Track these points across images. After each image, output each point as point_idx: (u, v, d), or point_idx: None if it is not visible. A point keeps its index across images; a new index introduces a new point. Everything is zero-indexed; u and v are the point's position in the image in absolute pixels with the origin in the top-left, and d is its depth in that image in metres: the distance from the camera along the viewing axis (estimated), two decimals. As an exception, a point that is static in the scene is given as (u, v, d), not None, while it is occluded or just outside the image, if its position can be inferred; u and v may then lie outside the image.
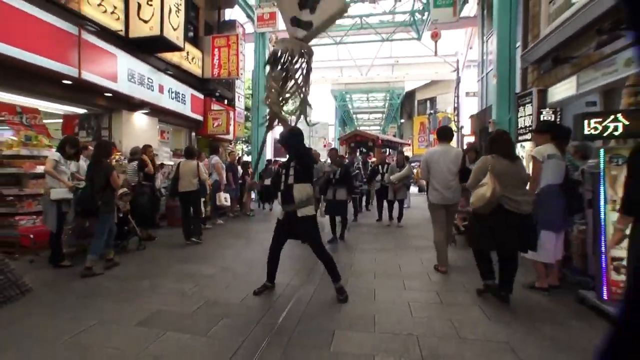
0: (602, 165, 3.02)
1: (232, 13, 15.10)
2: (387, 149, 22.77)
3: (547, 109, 6.36)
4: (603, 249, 3.06)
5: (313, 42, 4.02)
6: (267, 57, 3.77)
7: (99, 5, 7.48)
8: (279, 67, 3.66)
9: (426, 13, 14.44)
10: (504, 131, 3.78)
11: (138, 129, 9.23)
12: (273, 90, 3.69)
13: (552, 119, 6.27)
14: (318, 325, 3.03)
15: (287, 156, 3.84)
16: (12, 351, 2.57)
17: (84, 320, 3.07)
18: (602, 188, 3.03)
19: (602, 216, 3.05)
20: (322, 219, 6.79)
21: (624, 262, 2.98)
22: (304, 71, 3.75)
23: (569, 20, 4.98)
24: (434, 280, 4.32)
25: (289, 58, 3.63)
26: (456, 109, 18.10)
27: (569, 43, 5.29)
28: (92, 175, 4.76)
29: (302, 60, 3.69)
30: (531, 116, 6.66)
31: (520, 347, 2.62)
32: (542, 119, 6.36)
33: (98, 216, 4.68)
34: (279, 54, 3.64)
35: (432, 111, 22.38)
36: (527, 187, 3.51)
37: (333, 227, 6.46)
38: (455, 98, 17.86)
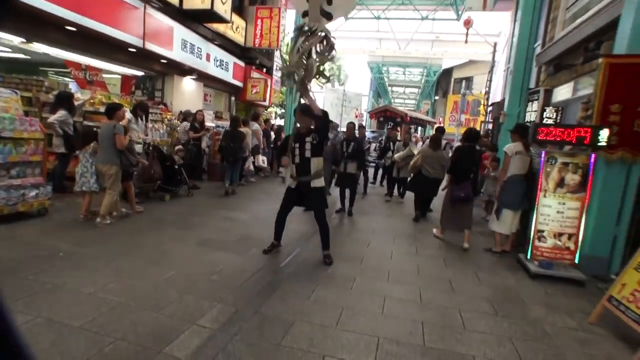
0: (541, 164, 3.97)
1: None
2: (417, 127, 23.27)
3: (551, 107, 7.05)
4: (533, 223, 4.07)
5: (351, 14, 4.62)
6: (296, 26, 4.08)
7: (161, -22, 8.46)
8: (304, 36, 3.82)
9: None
10: (436, 135, 6.80)
11: (186, 92, 10.54)
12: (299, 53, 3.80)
13: (554, 116, 6.97)
14: (320, 256, 4.26)
15: (298, 127, 4.10)
16: (123, 255, 3.89)
17: (161, 239, 4.44)
18: (539, 180, 4.00)
19: (536, 200, 4.03)
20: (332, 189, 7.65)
21: (545, 234, 4.01)
22: (326, 41, 3.91)
23: (570, 33, 5.63)
24: (418, 237, 5.47)
25: (315, 29, 3.81)
26: (487, 92, 18.22)
27: (570, 52, 5.94)
28: (232, 138, 7.39)
29: (323, 34, 3.86)
30: (536, 112, 7.36)
31: (455, 281, 3.79)
32: (545, 116, 7.06)
33: (237, 162, 7.55)
34: (307, 27, 3.84)
35: (464, 92, 22.43)
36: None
37: (342, 198, 6.82)
38: (488, 82, 17.96)
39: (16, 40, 6.70)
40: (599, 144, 3.80)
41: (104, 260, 3.60)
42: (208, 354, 2.30)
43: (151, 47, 8.03)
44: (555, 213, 3.99)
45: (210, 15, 9.62)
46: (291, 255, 4.30)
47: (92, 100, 7.17)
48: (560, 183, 3.95)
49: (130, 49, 7.88)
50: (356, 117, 37.15)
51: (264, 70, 14.62)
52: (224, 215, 5.87)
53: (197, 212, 5.96)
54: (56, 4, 5.80)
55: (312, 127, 3.97)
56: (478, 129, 16.80)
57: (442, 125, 8.49)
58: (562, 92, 6.58)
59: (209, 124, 10.26)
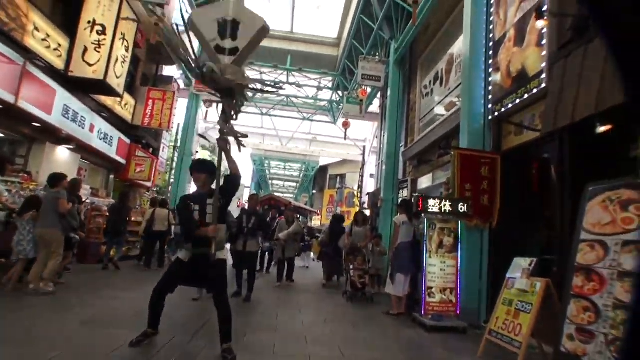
0: (425, 229, 4.89)
1: (169, 69, 16.18)
2: (299, 215, 24.57)
3: (417, 193, 8.65)
4: (424, 281, 4.76)
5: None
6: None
7: (44, 40, 7.79)
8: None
9: (341, 104, 17.51)
10: (357, 214, 8.07)
11: (58, 162, 9.23)
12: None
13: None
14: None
15: (197, 190, 3.46)
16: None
17: (30, 320, 3.61)
18: (425, 243, 4.86)
19: (424, 261, 4.82)
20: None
21: (433, 290, 4.72)
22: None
23: (425, 136, 7.46)
24: (322, 307, 5.65)
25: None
26: (360, 187, 20.90)
27: (428, 150, 7.73)
28: (120, 211, 7.92)
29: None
30: (406, 197, 8.88)
31: (368, 339, 4.03)
32: (413, 200, 8.59)
33: (117, 235, 7.81)
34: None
35: (340, 186, 25.28)
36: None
37: (239, 280, 5.91)
38: (360, 177, 20.77)
39: None
40: (429, 210, 4.86)
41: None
42: None
43: (26, 106, 7.10)
44: (439, 271, 4.78)
45: (101, 87, 9.23)
46: (204, 323, 3.92)
47: None
48: (440, 245, 4.84)
49: (-5, 104, 6.81)
50: (238, 206, 37.17)
51: (151, 150, 14.05)
52: (110, 295, 5.11)
53: (72, 292, 5.05)
54: None
55: (213, 187, 3.27)
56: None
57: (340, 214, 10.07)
58: (425, 181, 8.27)
59: (84, 198, 9.07)
